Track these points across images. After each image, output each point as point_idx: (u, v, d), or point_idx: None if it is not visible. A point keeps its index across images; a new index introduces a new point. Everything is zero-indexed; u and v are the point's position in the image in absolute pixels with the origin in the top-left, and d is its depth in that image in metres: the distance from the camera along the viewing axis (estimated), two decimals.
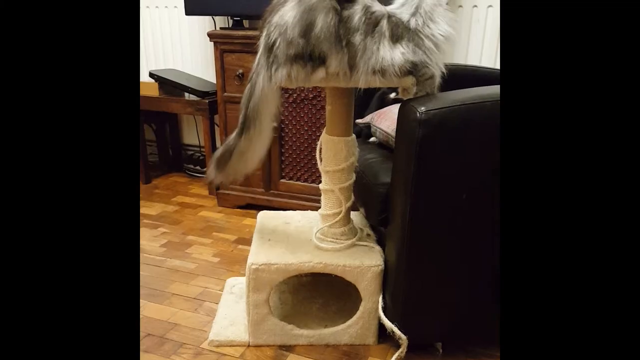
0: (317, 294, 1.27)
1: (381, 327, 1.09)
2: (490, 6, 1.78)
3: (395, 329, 1.03)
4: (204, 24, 2.22)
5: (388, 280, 1.05)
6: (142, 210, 1.95)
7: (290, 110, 1.76)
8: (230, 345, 1.12)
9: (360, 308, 1.08)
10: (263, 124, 0.95)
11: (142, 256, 1.57)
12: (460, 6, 1.82)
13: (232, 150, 0.99)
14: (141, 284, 1.41)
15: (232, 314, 1.21)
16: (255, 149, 0.99)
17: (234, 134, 0.99)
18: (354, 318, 1.10)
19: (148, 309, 1.27)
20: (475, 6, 1.81)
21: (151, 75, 2.08)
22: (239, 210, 1.95)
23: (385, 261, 1.06)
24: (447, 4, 0.95)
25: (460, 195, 0.93)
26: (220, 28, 1.93)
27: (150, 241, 1.68)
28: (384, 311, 1.06)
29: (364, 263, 1.05)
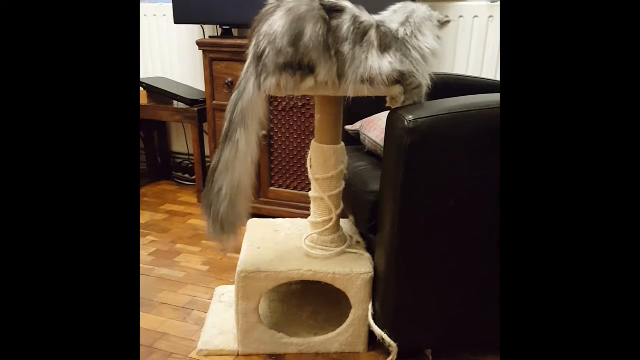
0: (306, 302, 1.27)
1: (371, 334, 1.09)
2: (475, 17, 1.82)
3: (385, 337, 1.03)
4: (193, 32, 2.22)
5: (378, 288, 1.05)
6: None
7: (280, 118, 1.77)
8: (220, 355, 1.11)
9: (350, 316, 1.09)
10: (249, 132, 0.90)
11: None
12: (447, 16, 1.85)
13: (215, 167, 0.91)
14: None
15: (221, 322, 1.20)
16: (241, 163, 0.91)
17: (217, 151, 0.92)
18: (344, 326, 1.10)
19: None
20: (462, 16, 1.84)
21: (140, 83, 2.07)
22: None
23: (375, 268, 1.06)
24: (439, 21, 0.96)
25: (449, 201, 0.94)
26: (210, 37, 1.93)
27: None
28: (374, 319, 1.06)
29: (353, 270, 1.05)
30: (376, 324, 1.05)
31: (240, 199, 0.94)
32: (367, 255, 1.12)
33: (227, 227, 0.93)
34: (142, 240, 1.73)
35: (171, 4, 1.89)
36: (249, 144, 0.91)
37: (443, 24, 0.97)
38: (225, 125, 0.91)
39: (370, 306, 1.07)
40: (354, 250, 1.13)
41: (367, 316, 1.07)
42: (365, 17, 0.90)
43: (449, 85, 1.42)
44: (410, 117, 0.89)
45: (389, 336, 1.03)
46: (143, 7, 2.27)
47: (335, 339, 1.11)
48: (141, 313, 1.28)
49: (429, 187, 0.93)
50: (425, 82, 0.95)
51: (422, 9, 0.95)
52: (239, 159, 0.91)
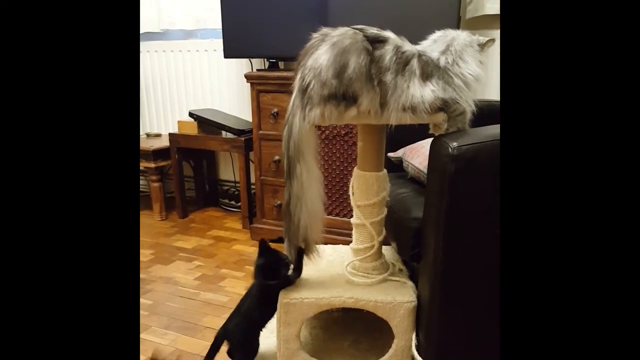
0: (348, 330, 1.26)
1: None
2: None
3: None
4: (241, 66, 2.33)
5: (421, 317, 1.03)
6: (179, 244, 2.01)
7: (323, 146, 1.80)
8: None
9: (393, 346, 1.06)
10: (308, 161, 0.95)
11: (177, 289, 1.61)
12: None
13: (288, 201, 0.97)
14: (175, 316, 1.43)
15: (263, 348, 1.20)
16: (309, 190, 0.97)
17: (285, 187, 0.98)
18: (386, 356, 1.07)
19: (181, 342, 1.29)
20: None
21: (191, 114, 2.19)
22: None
23: (418, 297, 1.04)
24: (479, 45, 0.97)
25: (493, 229, 0.91)
26: (257, 70, 2.02)
27: (185, 274, 1.71)
28: (417, 349, 1.03)
29: (396, 299, 1.04)
30: (420, 354, 1.02)
31: (316, 221, 1.01)
32: (410, 283, 1.10)
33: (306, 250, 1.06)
34: (189, 265, 1.79)
35: (221, 40, 2.01)
36: (311, 174, 0.96)
37: (484, 45, 0.97)
38: (285, 162, 0.96)
39: (413, 336, 1.04)
40: (397, 278, 1.12)
41: (411, 347, 1.05)
42: (408, 46, 0.92)
43: (494, 112, 1.40)
44: (455, 144, 0.88)
45: None
46: (195, 42, 2.43)
47: None
48: (185, 336, 1.31)
49: (474, 215, 0.91)
50: (469, 108, 0.95)
51: (462, 36, 0.95)
52: (306, 189, 0.96)
